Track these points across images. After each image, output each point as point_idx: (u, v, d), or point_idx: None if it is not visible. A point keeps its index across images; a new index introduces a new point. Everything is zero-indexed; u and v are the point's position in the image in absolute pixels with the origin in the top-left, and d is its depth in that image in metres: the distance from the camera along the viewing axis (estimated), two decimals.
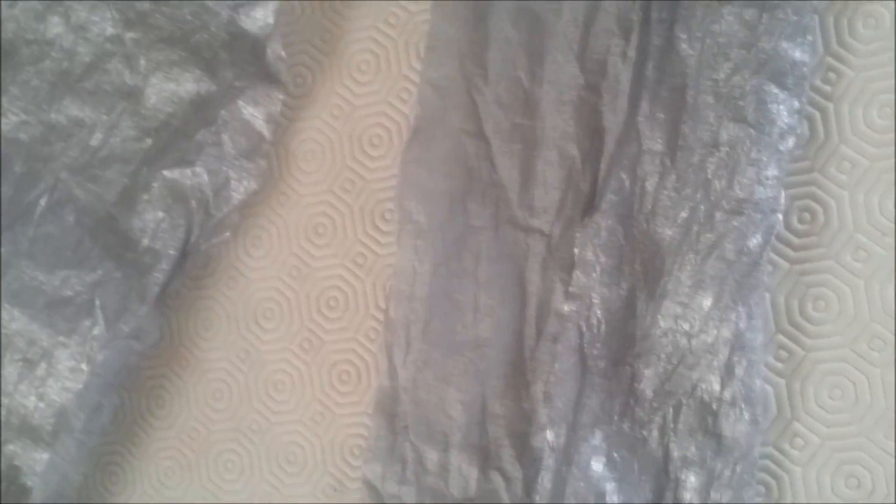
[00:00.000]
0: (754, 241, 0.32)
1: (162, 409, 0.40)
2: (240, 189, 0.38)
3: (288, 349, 0.38)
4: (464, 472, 0.34)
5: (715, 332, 0.32)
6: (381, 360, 0.36)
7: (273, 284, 0.39)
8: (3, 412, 0.40)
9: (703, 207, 0.32)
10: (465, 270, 0.35)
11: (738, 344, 0.31)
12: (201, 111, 0.39)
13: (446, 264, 0.35)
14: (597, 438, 0.33)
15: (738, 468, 0.31)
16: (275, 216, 0.39)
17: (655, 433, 0.32)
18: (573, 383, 0.33)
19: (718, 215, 0.32)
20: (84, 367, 0.39)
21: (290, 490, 0.38)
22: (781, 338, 0.33)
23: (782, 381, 0.33)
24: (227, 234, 0.39)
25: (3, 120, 0.40)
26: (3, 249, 0.40)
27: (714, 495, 0.31)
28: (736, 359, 0.32)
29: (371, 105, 0.38)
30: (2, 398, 0.40)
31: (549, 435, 0.33)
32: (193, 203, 0.38)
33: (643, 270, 0.33)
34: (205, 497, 0.39)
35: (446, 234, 0.35)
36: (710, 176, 0.32)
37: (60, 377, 0.39)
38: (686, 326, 0.32)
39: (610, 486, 0.32)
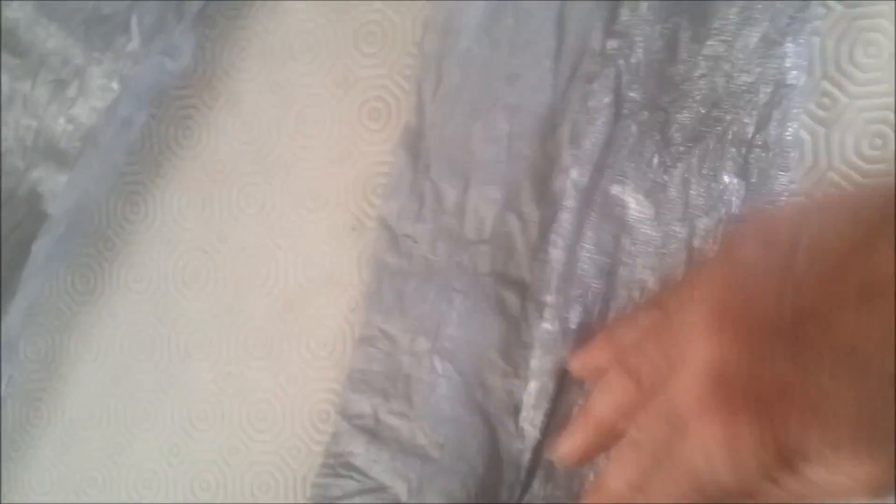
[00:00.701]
0: None
1: (188, 139, 0.40)
2: None
3: (321, 84, 0.38)
4: (480, 213, 0.34)
5: (758, 70, 0.30)
6: (411, 97, 0.35)
7: (310, 17, 0.38)
8: (32, 135, 0.41)
9: None
10: (506, 4, 0.34)
11: (780, 82, 0.30)
12: None
13: None
14: (620, 181, 0.32)
15: None
16: None
17: (678, 177, 0.31)
18: (604, 124, 0.32)
19: None
20: (115, 85, 0.39)
21: (309, 226, 0.38)
22: (826, 84, 0.31)
23: (822, 130, 0.31)
24: None
25: None
26: None
27: None
28: (775, 99, 0.30)
29: None
30: (31, 121, 0.41)
31: (573, 174, 0.32)
32: None
33: (690, 10, 0.31)
34: (222, 229, 0.39)
35: None
36: None
37: (91, 97, 0.39)
38: (727, 67, 0.31)
39: (631, 227, 0.32)
